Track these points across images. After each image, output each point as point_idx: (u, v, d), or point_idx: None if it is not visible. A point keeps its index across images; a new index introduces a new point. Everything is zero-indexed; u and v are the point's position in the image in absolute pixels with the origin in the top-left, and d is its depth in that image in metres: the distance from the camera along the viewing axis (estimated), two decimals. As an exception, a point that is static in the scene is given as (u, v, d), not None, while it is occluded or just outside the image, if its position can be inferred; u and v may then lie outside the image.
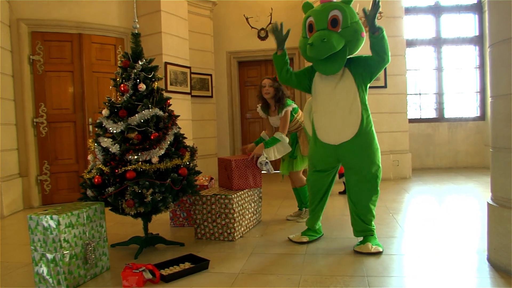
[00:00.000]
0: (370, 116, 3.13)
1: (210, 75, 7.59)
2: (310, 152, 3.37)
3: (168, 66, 6.07)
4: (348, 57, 3.04)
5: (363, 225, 3.15)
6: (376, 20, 2.87)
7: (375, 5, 2.81)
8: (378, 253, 2.99)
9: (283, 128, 3.96)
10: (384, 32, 2.89)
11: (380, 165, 3.16)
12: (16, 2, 5.26)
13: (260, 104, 4.21)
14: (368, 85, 3.14)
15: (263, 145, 3.85)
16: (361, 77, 3.07)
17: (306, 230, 3.45)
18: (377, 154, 3.12)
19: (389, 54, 2.97)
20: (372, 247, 3.02)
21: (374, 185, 3.11)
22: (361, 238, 3.19)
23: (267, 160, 3.79)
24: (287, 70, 3.35)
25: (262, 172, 3.91)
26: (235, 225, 3.49)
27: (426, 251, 3.05)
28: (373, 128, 3.12)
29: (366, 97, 3.12)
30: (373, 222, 3.18)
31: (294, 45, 7.97)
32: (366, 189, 3.11)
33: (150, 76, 3.19)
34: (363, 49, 3.10)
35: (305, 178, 3.48)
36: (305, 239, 3.36)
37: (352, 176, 3.15)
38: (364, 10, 2.88)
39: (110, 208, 3.13)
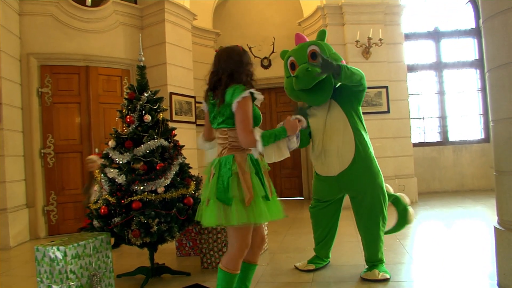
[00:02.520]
0: (367, 139, 3.14)
1: (215, 104, 7.68)
2: (314, 185, 3.38)
3: (173, 96, 6.18)
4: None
5: (373, 256, 3.12)
6: (329, 64, 2.77)
7: (321, 61, 2.77)
8: (385, 280, 2.96)
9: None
10: (344, 67, 2.84)
11: (384, 188, 3.15)
12: (27, 37, 5.43)
13: None
14: (360, 108, 3.18)
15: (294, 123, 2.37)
16: (348, 103, 3.12)
17: (313, 258, 3.42)
18: (378, 176, 3.12)
19: (363, 81, 3.05)
20: (379, 274, 2.99)
21: (380, 209, 3.09)
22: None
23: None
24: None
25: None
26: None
27: (435, 277, 3.02)
28: (370, 151, 3.13)
29: (360, 121, 3.15)
30: (382, 249, 3.14)
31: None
32: (374, 215, 3.08)
33: (155, 107, 3.26)
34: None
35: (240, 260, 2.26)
36: (311, 267, 3.33)
37: (358, 205, 3.14)
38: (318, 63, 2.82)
39: (116, 238, 3.14)
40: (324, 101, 3.12)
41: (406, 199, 3.36)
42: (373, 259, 3.11)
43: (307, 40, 3.30)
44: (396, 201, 3.34)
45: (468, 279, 2.92)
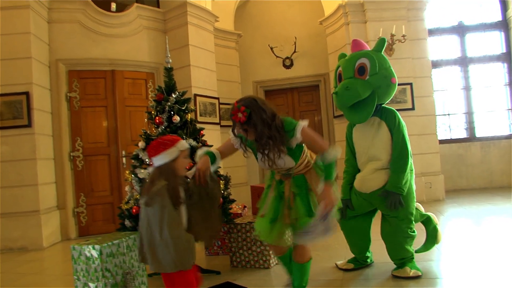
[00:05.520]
0: (411, 163, 3.02)
1: (238, 104, 7.72)
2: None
3: (198, 97, 6.24)
4: (384, 106, 3.06)
5: (399, 254, 3.06)
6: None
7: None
8: (417, 277, 2.93)
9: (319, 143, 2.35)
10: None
11: (414, 212, 3.05)
12: (55, 44, 5.59)
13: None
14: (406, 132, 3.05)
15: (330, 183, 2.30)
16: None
17: (353, 258, 3.38)
18: (412, 202, 3.03)
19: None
20: (410, 271, 2.96)
21: (408, 231, 2.99)
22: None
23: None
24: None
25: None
26: (270, 252, 3.49)
27: (465, 274, 2.98)
28: (410, 175, 3.03)
29: (408, 144, 3.02)
30: (410, 248, 3.06)
31: (319, 71, 8.06)
32: (402, 235, 2.99)
33: (183, 108, 3.32)
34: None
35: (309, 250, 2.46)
36: (350, 266, 3.30)
37: (386, 222, 3.10)
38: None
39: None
40: (362, 120, 3.01)
41: (435, 219, 3.31)
42: (400, 256, 3.05)
43: (366, 47, 3.12)
44: (427, 221, 3.28)
45: (498, 277, 2.86)
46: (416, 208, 3.19)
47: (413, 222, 3.06)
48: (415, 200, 3.12)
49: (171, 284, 2.16)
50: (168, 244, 2.01)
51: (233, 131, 2.35)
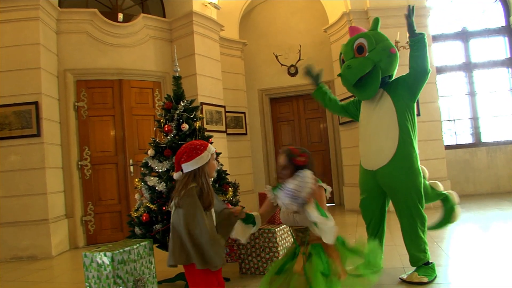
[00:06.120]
0: (413, 138, 3.05)
1: (244, 112, 7.79)
2: (359, 175, 3.37)
3: (204, 106, 6.29)
4: (391, 80, 3.13)
5: (414, 258, 3.07)
6: (414, 26, 2.92)
7: (410, 12, 2.91)
8: (422, 284, 2.90)
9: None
10: (425, 38, 2.92)
11: (422, 191, 3.05)
12: (63, 54, 5.67)
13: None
14: (414, 105, 3.09)
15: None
16: (401, 99, 3.03)
17: None
18: (416, 178, 3.02)
19: (428, 64, 2.98)
20: (416, 277, 2.95)
21: (416, 211, 3.01)
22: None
23: None
24: (329, 99, 3.48)
25: None
26: (280, 258, 3.49)
27: (473, 279, 2.98)
28: (413, 152, 3.04)
29: (410, 118, 3.05)
30: (425, 250, 3.05)
31: (324, 79, 8.11)
32: (409, 217, 3.02)
33: (192, 116, 3.36)
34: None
35: None
36: None
37: (395, 205, 3.12)
38: (406, 15, 2.93)
39: (157, 245, 3.22)
40: (371, 96, 3.09)
41: (455, 198, 3.28)
42: (415, 261, 3.07)
43: (363, 31, 3.23)
44: (444, 199, 3.27)
45: (507, 282, 2.86)
46: (432, 187, 3.19)
47: (422, 200, 3.03)
48: (426, 178, 3.14)
49: (193, 284, 2.18)
50: (197, 242, 2.06)
51: (278, 174, 2.31)
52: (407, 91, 3.05)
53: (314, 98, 3.56)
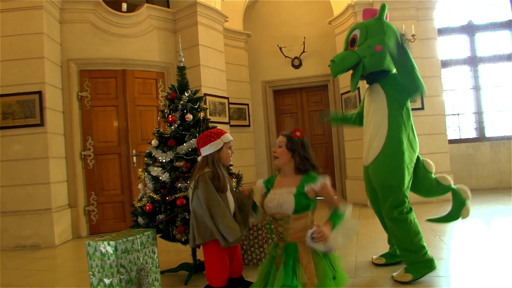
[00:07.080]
0: (403, 137, 2.92)
1: (247, 104, 7.77)
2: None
3: (207, 97, 6.28)
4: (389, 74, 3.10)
5: (402, 254, 3.03)
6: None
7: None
8: (406, 283, 2.84)
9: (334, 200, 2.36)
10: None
11: (404, 192, 2.91)
12: (67, 43, 5.65)
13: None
14: (408, 102, 3.01)
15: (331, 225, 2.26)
16: (393, 98, 2.95)
17: (386, 253, 3.40)
18: (397, 179, 2.88)
19: (421, 85, 2.88)
20: (401, 275, 2.90)
21: (392, 211, 2.89)
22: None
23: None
24: (350, 118, 3.49)
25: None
26: (262, 264, 3.49)
27: (474, 273, 2.98)
28: (401, 150, 2.90)
29: (404, 115, 2.96)
30: (411, 249, 2.92)
31: (328, 71, 8.02)
32: (388, 216, 2.94)
33: (196, 106, 3.35)
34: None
35: None
36: (382, 260, 3.34)
37: (382, 205, 3.03)
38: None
39: (160, 235, 3.23)
40: (352, 89, 3.07)
41: (467, 193, 3.07)
42: (404, 259, 3.04)
43: (375, 15, 3.11)
44: (454, 194, 3.09)
45: (509, 276, 2.86)
46: (439, 181, 3.09)
47: (404, 203, 2.91)
48: (407, 178, 2.97)
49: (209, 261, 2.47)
50: (210, 218, 2.34)
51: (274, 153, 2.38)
52: (398, 91, 2.96)
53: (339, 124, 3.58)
